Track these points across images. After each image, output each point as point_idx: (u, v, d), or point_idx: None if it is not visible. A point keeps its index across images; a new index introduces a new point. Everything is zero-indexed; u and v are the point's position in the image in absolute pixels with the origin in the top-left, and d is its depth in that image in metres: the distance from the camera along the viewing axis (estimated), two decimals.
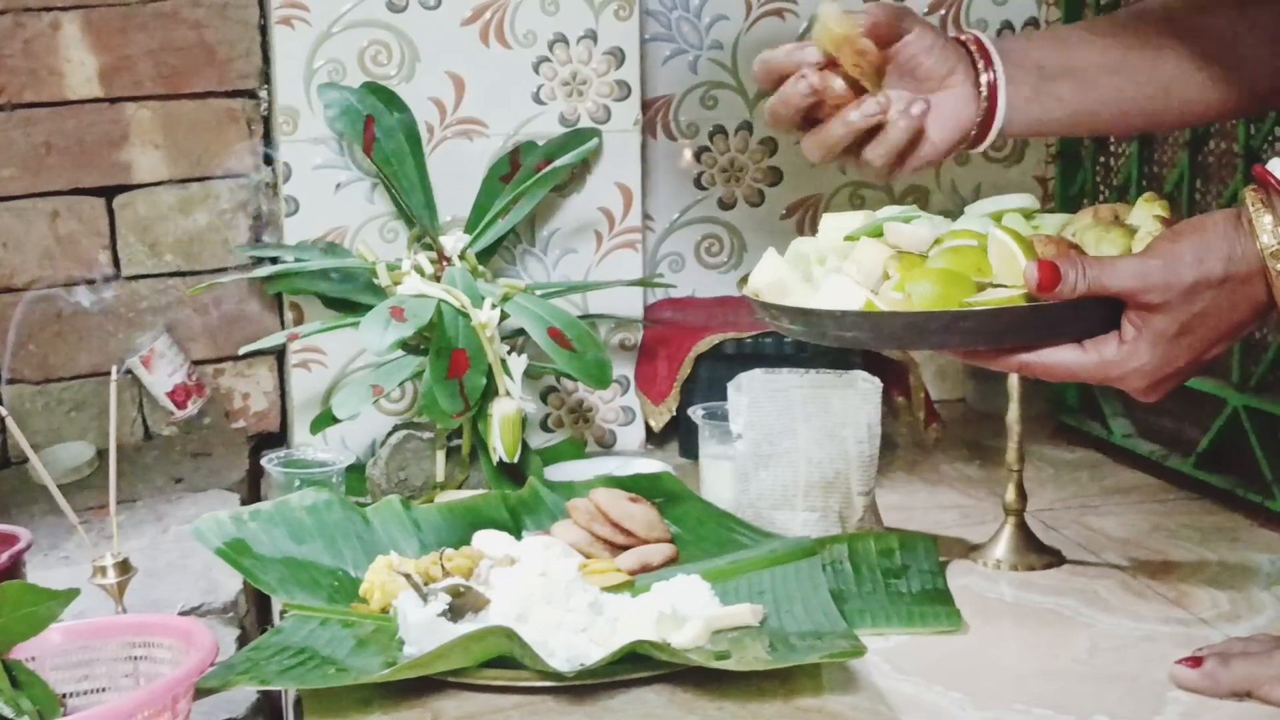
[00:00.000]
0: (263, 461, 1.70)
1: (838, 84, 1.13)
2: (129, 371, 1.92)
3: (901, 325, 1.05)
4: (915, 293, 1.06)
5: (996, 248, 1.07)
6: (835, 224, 1.17)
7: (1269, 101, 1.25)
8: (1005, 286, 1.07)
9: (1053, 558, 1.54)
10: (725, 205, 2.14)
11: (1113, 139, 1.92)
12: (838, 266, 1.13)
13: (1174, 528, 1.65)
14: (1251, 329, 1.04)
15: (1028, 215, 1.14)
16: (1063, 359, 1.04)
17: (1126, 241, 1.09)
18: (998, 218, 1.12)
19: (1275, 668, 1.20)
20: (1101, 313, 1.03)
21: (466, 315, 1.67)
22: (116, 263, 1.94)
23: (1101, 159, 1.94)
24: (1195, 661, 1.23)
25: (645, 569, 1.44)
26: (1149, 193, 1.15)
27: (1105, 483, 1.82)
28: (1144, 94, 1.21)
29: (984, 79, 1.18)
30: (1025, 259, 1.04)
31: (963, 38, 1.22)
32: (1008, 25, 2.14)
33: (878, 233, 1.14)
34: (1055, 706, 1.22)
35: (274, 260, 1.89)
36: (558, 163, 1.85)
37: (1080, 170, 1.96)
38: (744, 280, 1.18)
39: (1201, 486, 1.74)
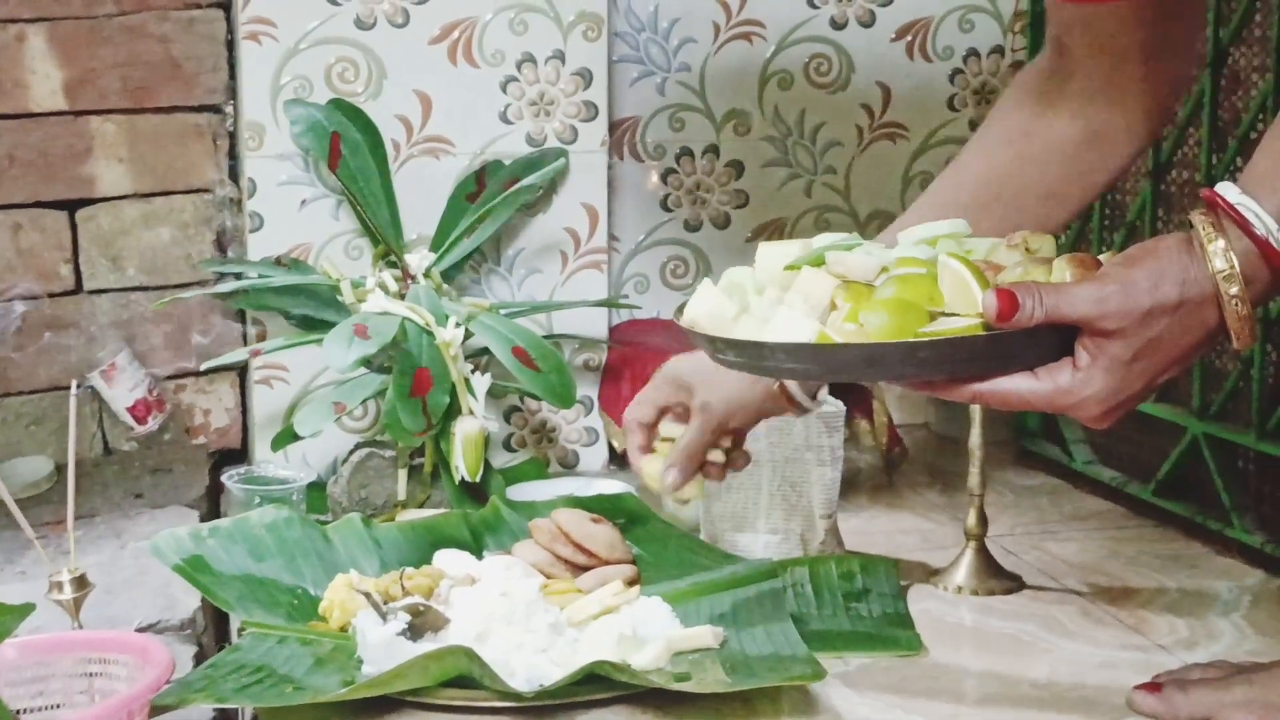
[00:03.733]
0: (223, 478, 1.69)
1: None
2: (89, 386, 1.90)
3: (857, 357, 1.04)
4: (869, 323, 1.04)
5: (949, 276, 1.06)
6: (772, 253, 1.14)
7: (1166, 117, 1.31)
8: (958, 315, 1.06)
9: (1013, 583, 1.55)
10: (691, 227, 2.14)
11: None
12: (778, 297, 1.10)
13: (1133, 554, 1.66)
14: (1203, 354, 1.05)
15: (958, 240, 1.13)
16: (1017, 388, 1.04)
17: (1045, 271, 1.08)
18: (931, 244, 1.11)
19: (1234, 695, 1.20)
20: (1055, 340, 1.03)
21: (430, 334, 1.67)
22: (78, 276, 1.93)
23: None
24: (1154, 688, 1.23)
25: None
26: (1027, 231, 1.15)
27: (1066, 509, 1.83)
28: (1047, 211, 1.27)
29: None
30: (980, 287, 1.03)
31: None
32: (973, 53, 2.16)
33: (819, 262, 1.11)
34: None
35: (237, 276, 1.88)
36: (524, 182, 1.85)
37: None
38: (679, 310, 1.16)
39: (1161, 513, 1.75)
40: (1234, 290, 0.99)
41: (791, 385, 1.33)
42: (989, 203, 1.25)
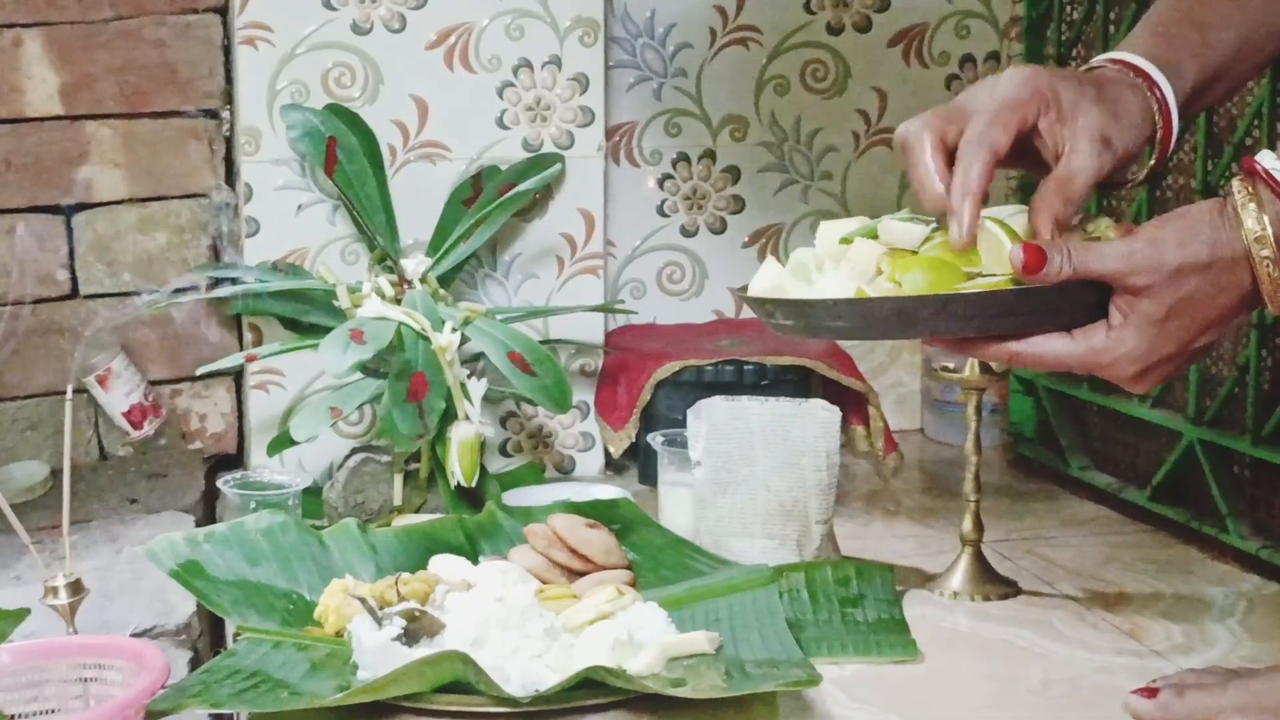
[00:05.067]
0: (219, 483, 1.69)
1: None
2: (85, 391, 1.90)
3: (891, 311, 1.05)
4: (906, 281, 1.07)
5: (985, 237, 1.08)
6: (832, 231, 1.18)
7: None
8: (995, 275, 1.07)
9: (1008, 588, 1.55)
10: (687, 233, 2.14)
11: None
12: (833, 268, 1.14)
13: (1129, 560, 1.66)
14: (1239, 318, 1.04)
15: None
16: (1052, 347, 1.04)
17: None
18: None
19: (1229, 699, 1.21)
20: (1090, 301, 1.03)
21: (426, 338, 1.67)
22: (74, 281, 1.93)
23: None
24: (1150, 692, 1.23)
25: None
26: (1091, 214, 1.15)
27: (1062, 514, 1.83)
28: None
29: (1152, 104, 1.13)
30: (1011, 244, 1.04)
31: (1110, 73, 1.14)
32: (969, 59, 2.16)
33: (874, 235, 1.15)
34: None
35: (233, 281, 1.88)
36: (520, 187, 1.85)
37: None
38: (743, 289, 1.18)
39: (1157, 519, 1.75)
40: (1265, 252, 0.99)
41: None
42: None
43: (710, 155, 2.13)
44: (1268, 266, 0.99)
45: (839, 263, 1.14)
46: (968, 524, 1.55)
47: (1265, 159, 1.00)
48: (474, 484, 1.66)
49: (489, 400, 1.75)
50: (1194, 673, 1.28)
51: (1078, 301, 1.03)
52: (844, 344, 1.99)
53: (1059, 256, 1.02)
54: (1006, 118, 1.08)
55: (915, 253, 1.12)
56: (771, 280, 1.17)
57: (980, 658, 1.39)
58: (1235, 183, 1.01)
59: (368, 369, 1.69)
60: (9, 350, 1.88)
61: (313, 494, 1.76)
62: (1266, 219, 0.99)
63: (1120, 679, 1.30)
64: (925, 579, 1.57)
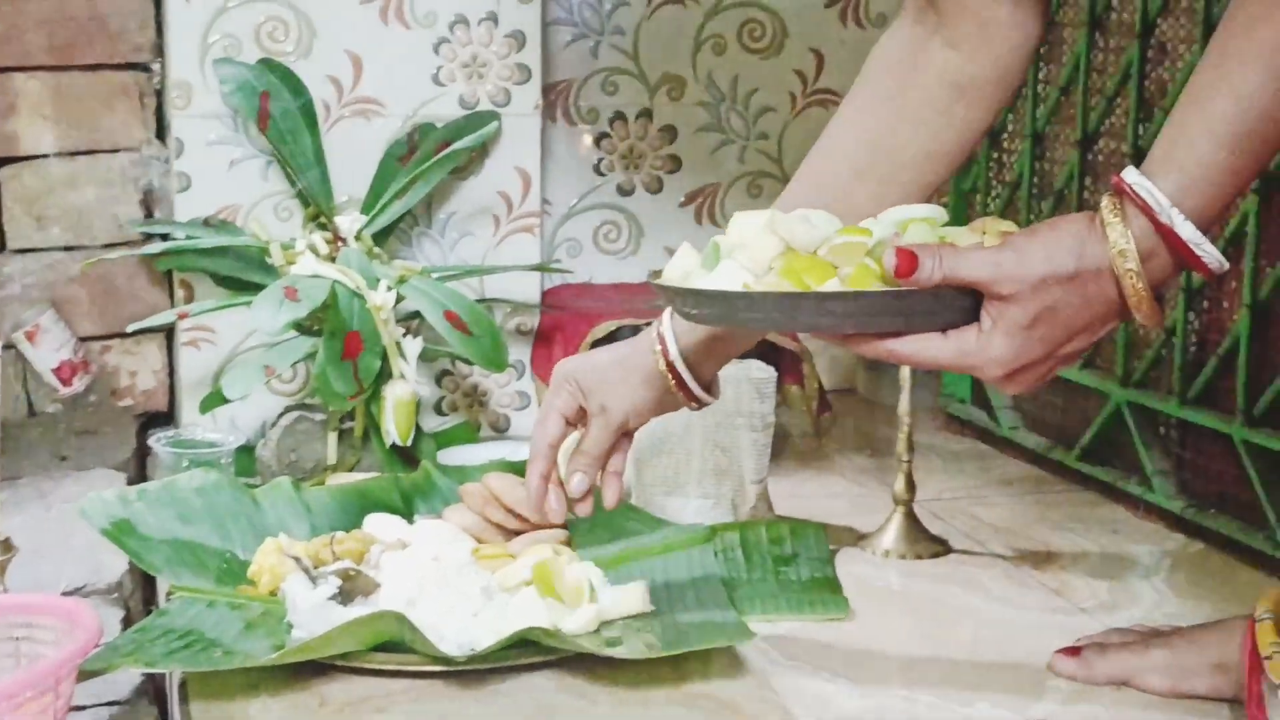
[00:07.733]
0: (150, 441, 1.68)
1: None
2: (13, 346, 1.88)
3: (774, 305, 1.07)
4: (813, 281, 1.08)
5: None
6: (743, 220, 1.18)
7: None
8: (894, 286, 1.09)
9: (940, 547, 1.57)
10: (624, 192, 2.14)
11: (1005, 138, 1.95)
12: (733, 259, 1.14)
13: (1057, 519, 1.68)
14: (1111, 325, 1.07)
15: (933, 225, 1.16)
16: (927, 346, 1.08)
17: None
18: (903, 227, 1.14)
19: (1150, 659, 1.23)
20: (965, 304, 1.06)
21: (361, 297, 1.66)
22: (2, 236, 1.90)
23: (995, 154, 1.97)
24: (1074, 651, 1.26)
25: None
26: (993, 217, 1.18)
27: (992, 474, 1.85)
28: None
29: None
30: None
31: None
32: None
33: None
34: (939, 693, 1.24)
35: (164, 237, 1.86)
36: (456, 145, 1.84)
37: (974, 165, 1.99)
38: (656, 273, 1.20)
39: (1085, 479, 1.77)
40: (1130, 265, 1.02)
41: (687, 378, 1.29)
42: (866, 170, 1.26)
43: (647, 114, 2.13)
44: (1132, 279, 1.03)
45: (738, 252, 1.15)
46: (900, 484, 1.57)
47: (1130, 175, 1.03)
48: (409, 443, 1.66)
49: (424, 359, 1.75)
50: (1118, 631, 1.30)
51: (953, 305, 1.07)
52: None
53: (930, 262, 1.05)
54: (553, 420, 1.31)
55: (813, 256, 1.12)
56: (684, 265, 1.17)
57: (911, 615, 1.41)
58: (1105, 198, 1.05)
59: (302, 327, 1.68)
60: None
61: (246, 452, 1.75)
62: (1131, 233, 1.03)
63: (1047, 636, 1.32)
64: (858, 538, 1.59)
